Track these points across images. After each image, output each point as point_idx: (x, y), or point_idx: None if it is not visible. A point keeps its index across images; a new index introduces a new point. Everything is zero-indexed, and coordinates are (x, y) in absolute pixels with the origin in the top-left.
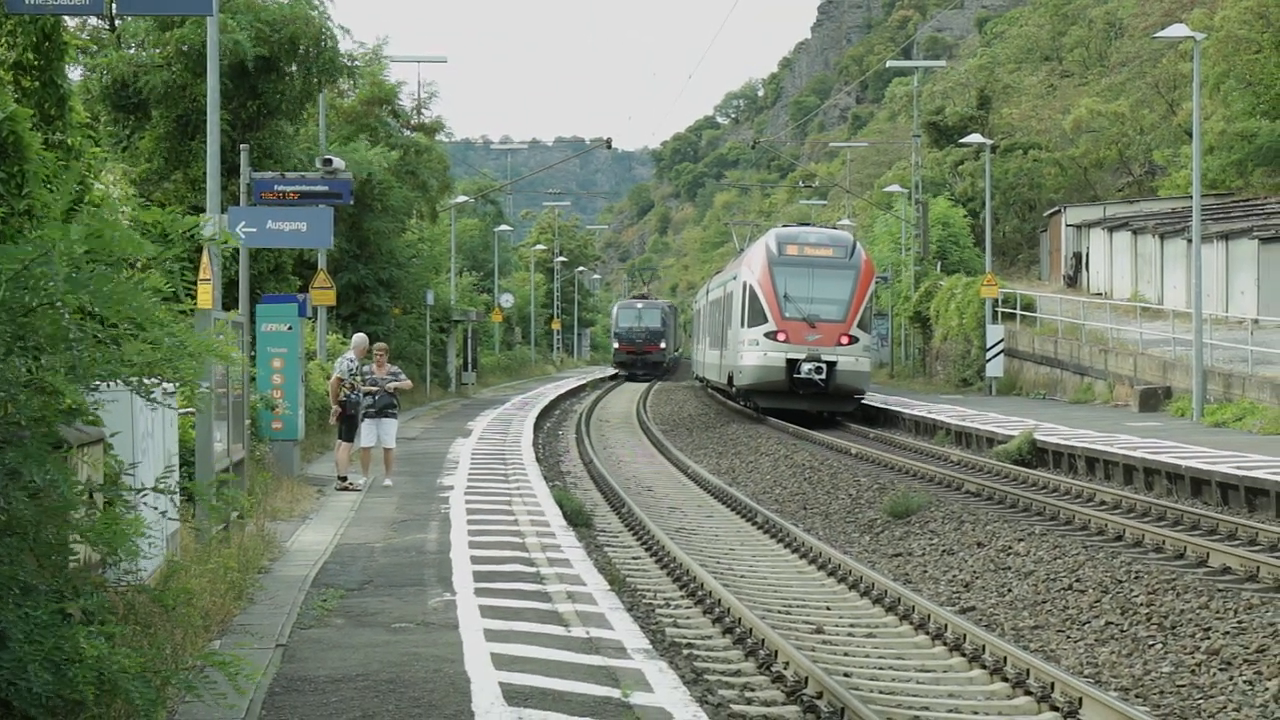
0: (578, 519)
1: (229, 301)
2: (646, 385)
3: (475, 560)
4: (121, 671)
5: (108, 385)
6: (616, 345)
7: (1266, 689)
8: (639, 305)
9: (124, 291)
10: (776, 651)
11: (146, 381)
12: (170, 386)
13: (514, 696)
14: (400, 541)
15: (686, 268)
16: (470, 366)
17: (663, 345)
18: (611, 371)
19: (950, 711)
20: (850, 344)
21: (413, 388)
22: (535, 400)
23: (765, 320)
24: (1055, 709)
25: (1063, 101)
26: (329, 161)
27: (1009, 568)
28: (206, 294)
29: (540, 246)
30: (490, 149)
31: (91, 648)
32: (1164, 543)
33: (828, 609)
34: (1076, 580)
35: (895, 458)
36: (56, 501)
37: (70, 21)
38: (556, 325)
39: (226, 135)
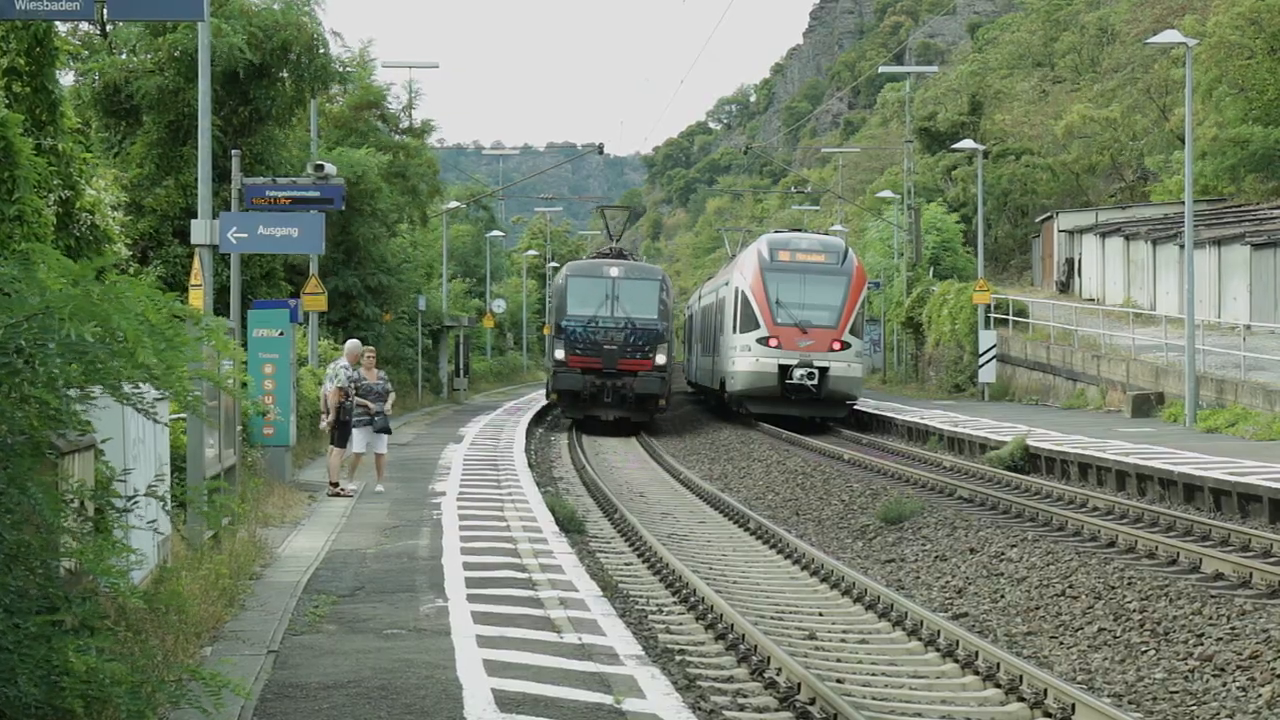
0: (570, 525)
1: (220, 307)
2: None
3: (467, 566)
4: (113, 683)
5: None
6: (562, 354)
7: (1260, 695)
8: (613, 271)
9: (115, 353)
10: (769, 658)
11: (129, 390)
12: (158, 392)
13: (506, 703)
14: (392, 547)
15: (679, 273)
16: (462, 372)
17: (659, 359)
18: (540, 403)
19: (942, 718)
20: (842, 350)
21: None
22: (528, 406)
23: (757, 326)
24: (1048, 715)
25: (1055, 107)
26: (320, 167)
27: (1001, 574)
28: (198, 299)
29: (532, 252)
30: (482, 154)
31: (81, 661)
32: (1156, 549)
33: (820, 615)
34: (1069, 586)
35: (888, 463)
36: (39, 522)
37: (62, 27)
38: (549, 331)
39: (218, 141)
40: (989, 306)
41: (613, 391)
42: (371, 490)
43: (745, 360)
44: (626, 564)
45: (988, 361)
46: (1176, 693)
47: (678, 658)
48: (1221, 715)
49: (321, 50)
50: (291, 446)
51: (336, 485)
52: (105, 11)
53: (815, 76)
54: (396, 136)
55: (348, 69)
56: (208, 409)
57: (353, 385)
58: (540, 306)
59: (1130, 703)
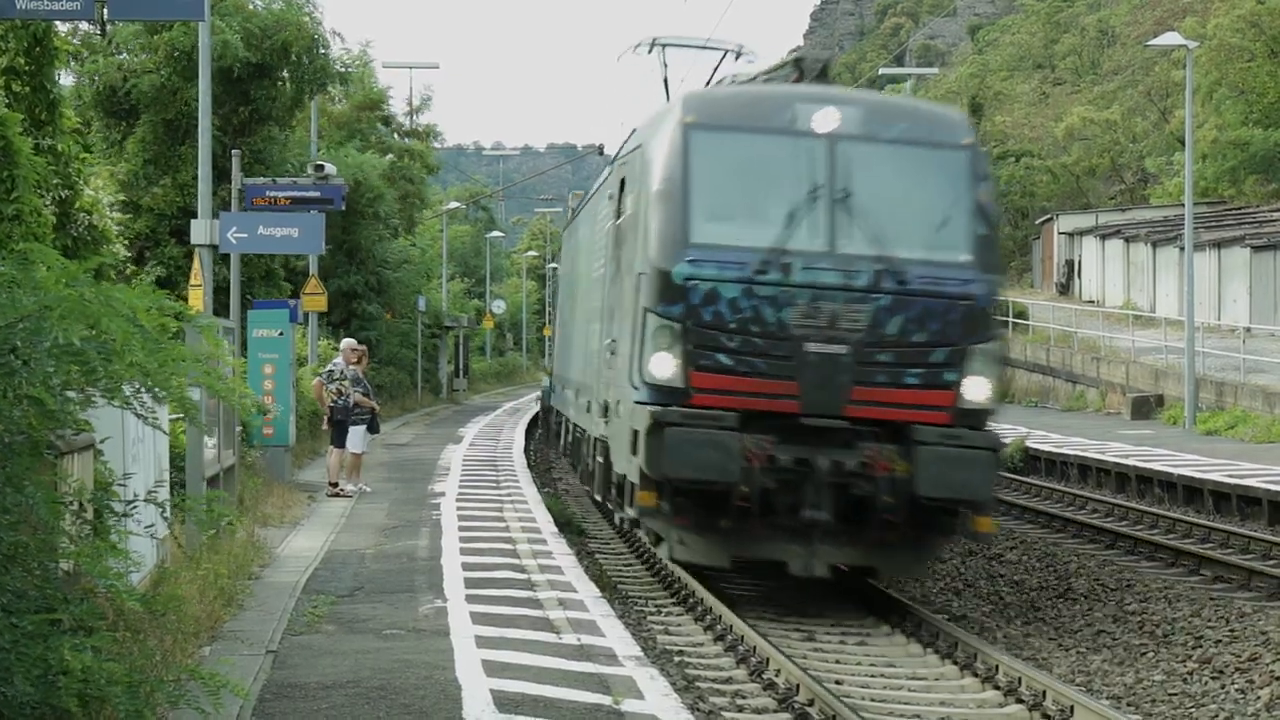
0: (569, 526)
1: (220, 307)
2: None
3: (466, 567)
4: (110, 683)
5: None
6: (673, 365)
7: (1258, 698)
8: (830, 119)
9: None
10: (768, 659)
11: (129, 393)
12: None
13: (505, 703)
14: (391, 548)
15: None
16: (462, 373)
17: (974, 388)
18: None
19: None
20: None
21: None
22: (527, 407)
23: None
24: (1047, 717)
25: (1055, 109)
26: (320, 167)
27: (1000, 575)
28: (198, 300)
29: (532, 253)
30: (482, 155)
31: (76, 660)
32: (1156, 551)
33: (818, 616)
34: (1068, 588)
35: None
36: (36, 522)
37: (61, 27)
38: (548, 332)
39: (217, 140)
40: None
41: (833, 487)
42: (361, 491)
43: None
44: (625, 565)
45: None
46: (1175, 695)
47: (676, 659)
48: (1220, 717)
49: (322, 50)
50: (291, 447)
51: (336, 485)
52: (105, 11)
53: None
54: (400, 139)
55: (348, 69)
56: (206, 408)
57: (347, 382)
58: (541, 307)
59: (1129, 705)
